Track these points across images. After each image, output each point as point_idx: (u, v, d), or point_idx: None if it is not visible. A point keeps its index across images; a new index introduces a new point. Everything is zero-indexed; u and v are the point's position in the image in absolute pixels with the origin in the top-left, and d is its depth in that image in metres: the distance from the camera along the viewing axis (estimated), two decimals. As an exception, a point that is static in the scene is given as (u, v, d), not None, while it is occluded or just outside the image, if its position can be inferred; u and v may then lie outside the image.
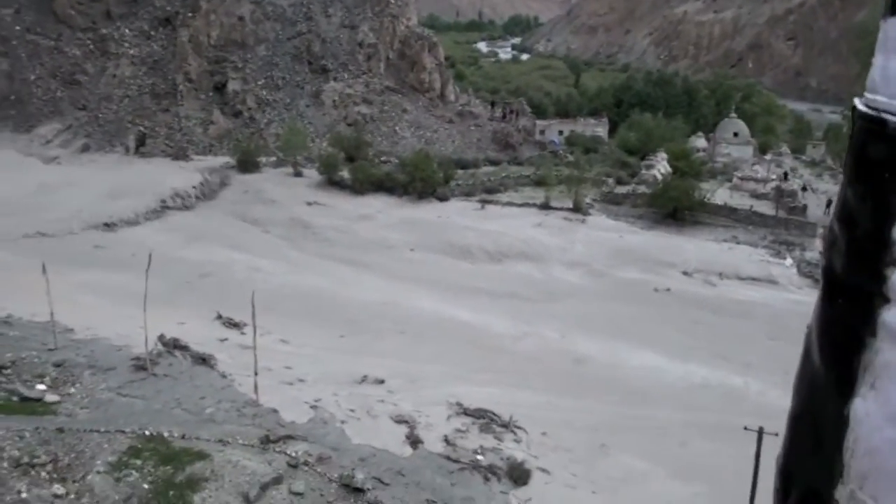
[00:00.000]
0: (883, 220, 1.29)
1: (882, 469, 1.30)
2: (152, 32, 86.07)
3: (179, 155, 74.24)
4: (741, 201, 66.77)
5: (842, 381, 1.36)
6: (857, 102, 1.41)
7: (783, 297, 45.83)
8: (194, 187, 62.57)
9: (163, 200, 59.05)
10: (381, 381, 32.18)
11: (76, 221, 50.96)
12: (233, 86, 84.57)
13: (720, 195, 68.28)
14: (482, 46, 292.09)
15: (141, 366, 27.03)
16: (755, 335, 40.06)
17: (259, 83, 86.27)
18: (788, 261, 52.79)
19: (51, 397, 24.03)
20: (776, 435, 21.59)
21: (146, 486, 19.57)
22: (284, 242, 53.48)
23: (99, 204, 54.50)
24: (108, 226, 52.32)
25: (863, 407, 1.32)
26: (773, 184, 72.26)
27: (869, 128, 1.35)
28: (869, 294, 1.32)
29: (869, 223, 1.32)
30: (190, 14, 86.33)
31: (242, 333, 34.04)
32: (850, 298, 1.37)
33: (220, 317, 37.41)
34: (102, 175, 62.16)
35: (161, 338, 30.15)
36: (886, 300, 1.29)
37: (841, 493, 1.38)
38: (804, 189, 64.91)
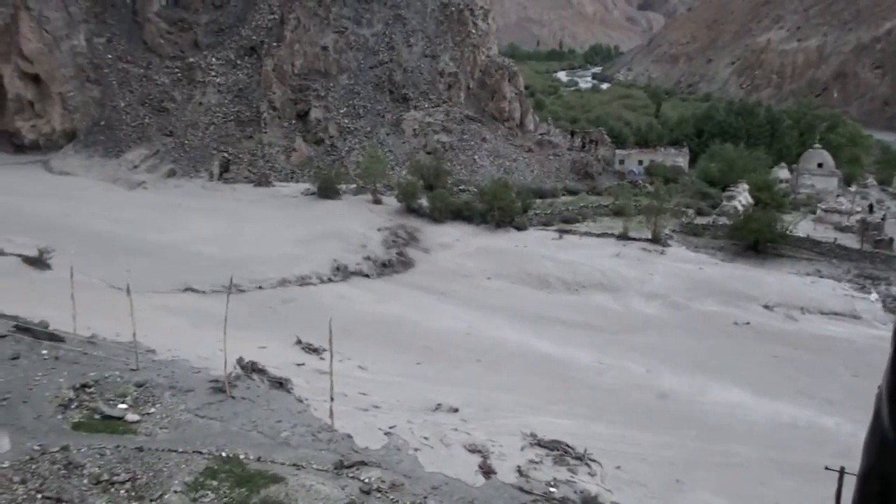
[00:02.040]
0: None
1: None
2: (238, 61, 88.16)
3: (262, 181, 75.59)
4: (825, 234, 65.37)
5: None
6: None
7: (867, 333, 44.67)
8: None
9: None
10: (456, 410, 32.15)
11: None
12: (315, 114, 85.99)
13: (803, 227, 66.98)
14: (562, 76, 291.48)
15: (219, 388, 27.41)
16: (838, 371, 39.12)
17: (341, 111, 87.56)
18: (873, 295, 51.47)
19: (132, 416, 24.50)
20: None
21: (221, 507, 19.83)
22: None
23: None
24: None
25: None
26: (859, 216, 70.67)
27: None
28: None
29: None
30: (275, 44, 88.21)
31: (321, 359, 34.39)
32: None
33: (299, 342, 37.82)
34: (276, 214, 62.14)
35: (240, 361, 30.55)
36: None
37: None
38: (883, 219, 63.07)
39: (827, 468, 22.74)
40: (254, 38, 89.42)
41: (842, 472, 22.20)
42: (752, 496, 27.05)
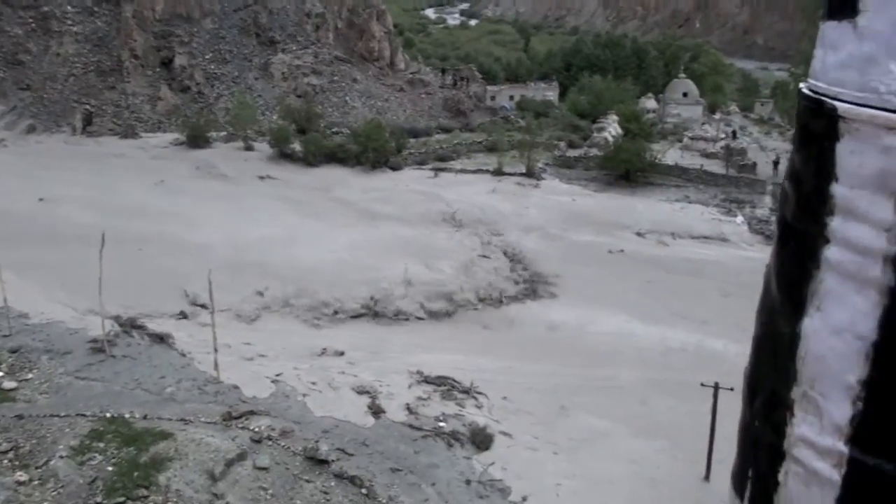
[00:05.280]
0: (822, 178, 1.66)
1: (827, 372, 1.65)
2: (95, 8, 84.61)
3: (128, 133, 73.32)
4: (692, 161, 67.50)
5: (794, 305, 1.73)
6: (802, 86, 1.82)
7: (735, 254, 46.53)
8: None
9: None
10: (342, 353, 32.33)
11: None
12: (180, 61, 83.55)
13: (671, 156, 68.95)
14: (430, 13, 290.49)
15: (98, 348, 26.85)
16: (709, 292, 40.67)
17: (206, 57, 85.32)
18: (739, 218, 53.58)
19: (8, 384, 23.81)
20: (731, 390, 22.15)
21: (110, 468, 19.54)
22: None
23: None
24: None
25: (811, 324, 1.69)
26: (723, 143, 73.09)
27: (810, 107, 1.73)
28: (813, 236, 1.69)
29: (812, 181, 1.70)
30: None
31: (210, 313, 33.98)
32: (798, 241, 1.74)
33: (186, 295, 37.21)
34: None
35: (117, 318, 29.97)
36: (826, 241, 1.65)
37: (796, 392, 1.74)
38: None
39: (702, 384, 23.95)
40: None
41: (716, 387, 23.36)
42: (633, 415, 28.11)
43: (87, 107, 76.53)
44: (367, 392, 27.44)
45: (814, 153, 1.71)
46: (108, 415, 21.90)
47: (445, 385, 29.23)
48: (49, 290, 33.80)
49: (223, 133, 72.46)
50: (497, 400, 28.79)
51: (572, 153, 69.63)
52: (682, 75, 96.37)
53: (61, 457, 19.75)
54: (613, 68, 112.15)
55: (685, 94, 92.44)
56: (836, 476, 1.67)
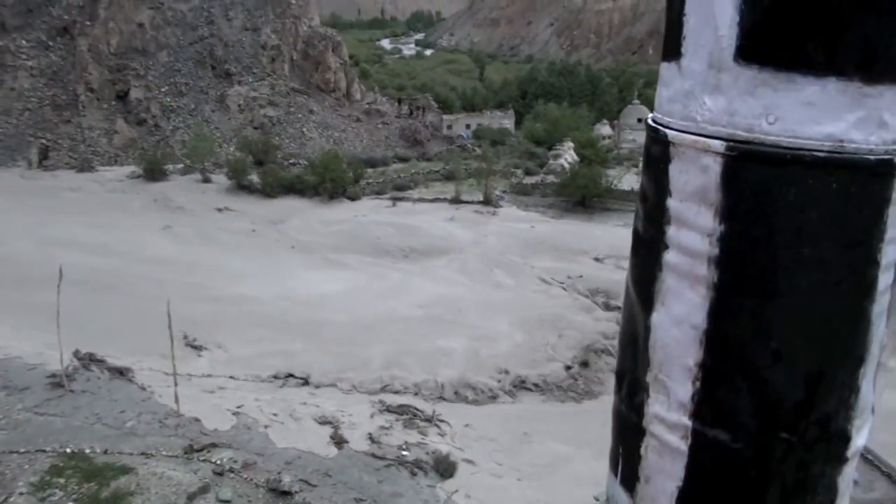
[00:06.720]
0: (661, 195, 1.96)
1: (671, 357, 1.97)
2: (50, 43, 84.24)
3: (84, 166, 72.82)
4: (646, 187, 68.17)
5: (645, 302, 2.05)
6: (648, 118, 2.11)
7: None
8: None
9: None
10: (305, 382, 32.31)
11: None
12: (135, 94, 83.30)
13: (627, 181, 69.56)
14: (385, 44, 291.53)
15: (57, 383, 26.62)
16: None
17: (162, 90, 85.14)
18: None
19: (-35, 421, 23.56)
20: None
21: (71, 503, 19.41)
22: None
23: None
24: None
25: (657, 318, 2.00)
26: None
27: (651, 135, 2.06)
28: (656, 243, 1.98)
29: (654, 197, 2.00)
30: (88, 22, 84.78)
31: (199, 356, 33.87)
32: (646, 248, 2.04)
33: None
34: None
35: (76, 353, 29.71)
36: (666, 246, 1.95)
37: (649, 377, 2.05)
38: None
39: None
40: (65, 17, 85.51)
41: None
42: (595, 438, 28.29)
43: (43, 141, 75.99)
44: (329, 422, 27.42)
45: (654, 174, 2.00)
46: (68, 450, 21.73)
47: (407, 414, 29.30)
48: (4, 325, 33.47)
49: (180, 165, 72.18)
50: (459, 427, 28.91)
51: (529, 180, 70.15)
52: (637, 101, 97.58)
53: (21, 493, 19.57)
54: (568, 95, 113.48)
55: (640, 120, 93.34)
56: (683, 446, 1.96)
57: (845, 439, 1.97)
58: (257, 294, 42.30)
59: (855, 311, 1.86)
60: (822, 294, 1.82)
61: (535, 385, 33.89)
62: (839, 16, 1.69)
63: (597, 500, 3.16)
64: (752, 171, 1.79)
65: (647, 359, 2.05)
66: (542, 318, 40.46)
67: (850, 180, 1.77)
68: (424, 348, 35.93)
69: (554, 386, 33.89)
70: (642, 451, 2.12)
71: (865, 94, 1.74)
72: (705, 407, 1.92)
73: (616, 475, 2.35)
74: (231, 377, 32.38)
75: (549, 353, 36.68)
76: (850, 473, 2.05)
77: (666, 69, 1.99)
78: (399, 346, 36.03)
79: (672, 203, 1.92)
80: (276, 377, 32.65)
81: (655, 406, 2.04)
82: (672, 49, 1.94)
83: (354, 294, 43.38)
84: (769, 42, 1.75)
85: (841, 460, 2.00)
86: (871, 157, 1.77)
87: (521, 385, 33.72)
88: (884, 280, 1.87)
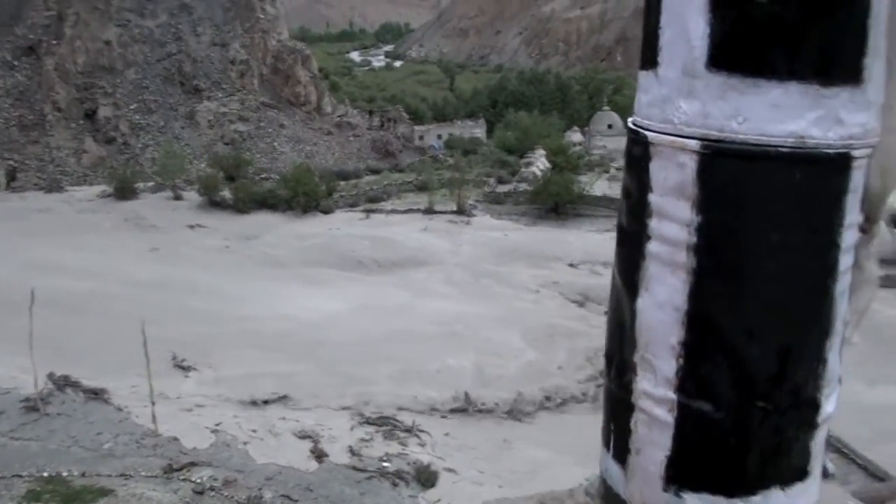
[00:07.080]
0: (643, 191, 2.15)
1: (656, 337, 2.15)
2: (15, 62, 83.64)
3: (53, 187, 72.27)
4: (619, 191, 68.38)
5: (630, 289, 2.22)
6: (629, 121, 2.28)
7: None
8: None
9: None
10: (283, 397, 32.11)
11: None
12: (104, 112, 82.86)
13: (599, 187, 70.00)
14: (355, 56, 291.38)
15: (32, 406, 26.38)
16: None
17: (131, 108, 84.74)
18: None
19: (-60, 447, 23.31)
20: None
21: (50, 527, 19.25)
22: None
23: None
24: None
25: (642, 303, 2.18)
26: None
27: (633, 137, 2.23)
28: (639, 235, 2.16)
29: (636, 194, 2.19)
30: (54, 41, 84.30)
31: (186, 376, 33.52)
32: (630, 240, 2.23)
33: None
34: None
35: (51, 375, 29.44)
36: (648, 238, 2.13)
37: (636, 357, 2.23)
38: None
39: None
40: (31, 36, 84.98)
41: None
42: (574, 443, 28.33)
43: (11, 162, 75.37)
44: (309, 436, 27.32)
45: (636, 172, 2.20)
46: (45, 474, 21.54)
47: (388, 425, 29.24)
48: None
49: (151, 183, 71.70)
50: (440, 437, 28.86)
51: (502, 189, 70.33)
52: (606, 107, 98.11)
53: (-1, 519, 19.39)
54: (539, 103, 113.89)
55: (610, 126, 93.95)
56: (670, 418, 2.14)
57: (816, 406, 2.18)
58: (236, 312, 41.95)
59: (819, 290, 2.06)
60: (790, 276, 2.01)
61: (548, 398, 33.23)
62: (798, 27, 1.88)
63: (587, 487, 3.32)
64: (724, 167, 1.98)
65: (634, 340, 2.24)
66: (549, 329, 40.03)
67: (811, 172, 1.97)
68: (433, 366, 35.25)
69: (572, 400, 33.25)
70: (632, 425, 2.31)
71: (823, 96, 1.93)
72: (689, 381, 2.11)
73: (609, 450, 2.54)
74: (204, 395, 32.14)
75: (560, 370, 35.91)
76: (821, 438, 2.25)
77: (644, 77, 2.18)
78: (406, 365, 35.32)
79: (653, 198, 2.12)
80: (254, 403, 32.28)
81: (643, 383, 2.22)
82: (650, 59, 2.13)
83: (349, 311, 42.88)
84: (737, 51, 1.93)
85: (812, 426, 2.20)
86: (831, 151, 1.97)
87: (540, 405, 33.22)
88: (844, 261, 2.07)
